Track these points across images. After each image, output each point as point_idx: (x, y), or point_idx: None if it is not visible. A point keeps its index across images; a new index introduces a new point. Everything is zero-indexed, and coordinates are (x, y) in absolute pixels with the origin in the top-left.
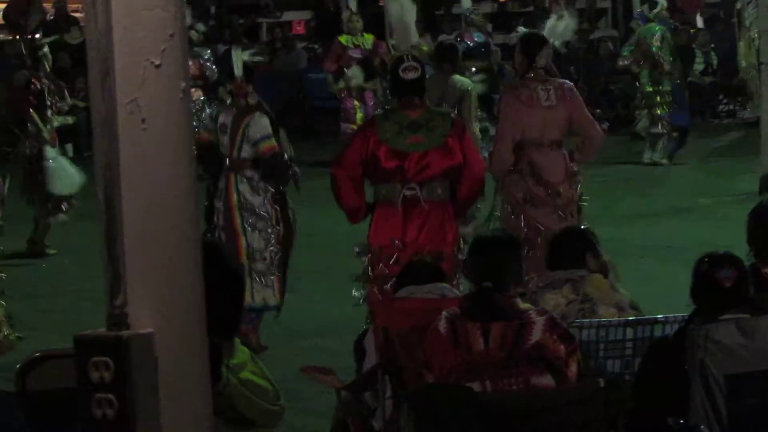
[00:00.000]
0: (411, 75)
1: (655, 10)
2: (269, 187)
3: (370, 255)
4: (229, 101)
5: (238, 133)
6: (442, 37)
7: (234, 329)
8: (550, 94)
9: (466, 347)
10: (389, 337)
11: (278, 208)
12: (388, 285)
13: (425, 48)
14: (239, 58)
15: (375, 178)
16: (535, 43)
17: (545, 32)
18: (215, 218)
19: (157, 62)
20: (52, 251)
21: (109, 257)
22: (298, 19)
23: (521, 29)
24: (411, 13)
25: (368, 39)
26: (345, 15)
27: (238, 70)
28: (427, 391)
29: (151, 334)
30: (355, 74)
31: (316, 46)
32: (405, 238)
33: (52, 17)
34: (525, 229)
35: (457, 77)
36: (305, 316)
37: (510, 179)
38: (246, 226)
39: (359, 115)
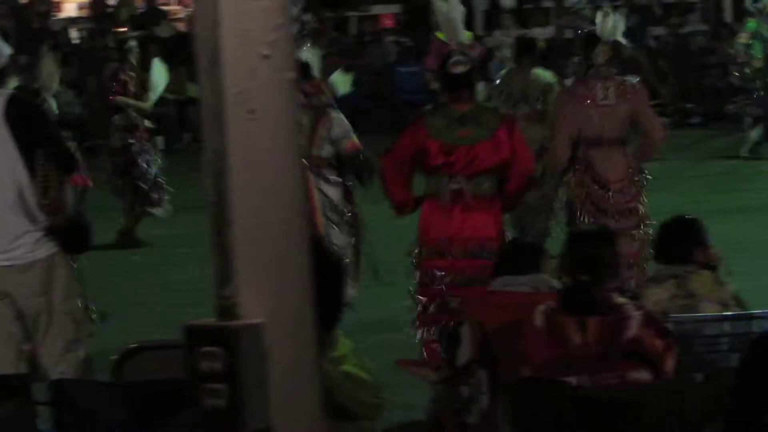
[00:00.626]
0: (459, 69)
1: (758, 4)
2: (345, 183)
3: (417, 249)
4: (303, 101)
5: (317, 132)
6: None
7: (336, 321)
8: (609, 92)
9: (562, 341)
10: (485, 331)
11: (352, 204)
12: (437, 279)
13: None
14: (315, 56)
15: (424, 172)
16: (589, 41)
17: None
18: None
19: (265, 53)
20: (141, 243)
21: (219, 247)
22: (387, 12)
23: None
24: (456, 10)
25: (467, 36)
26: None
27: (315, 69)
28: (524, 385)
29: (261, 324)
30: None
31: (405, 40)
32: (450, 231)
33: (141, 11)
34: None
35: (539, 71)
36: (380, 308)
37: (571, 178)
38: (328, 224)
39: None
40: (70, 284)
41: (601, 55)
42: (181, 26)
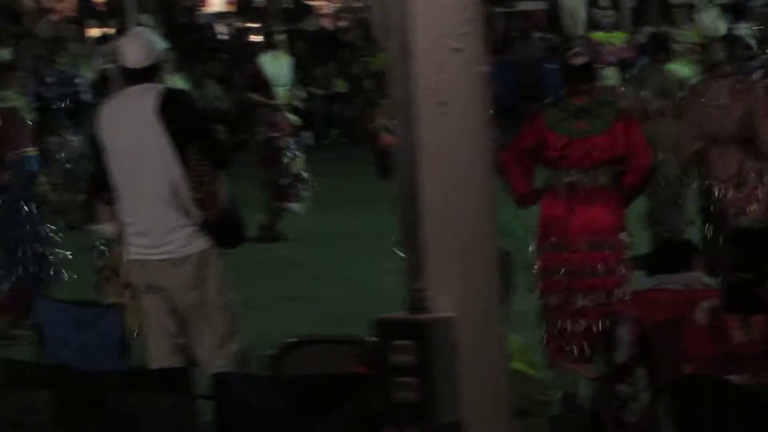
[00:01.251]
0: (579, 61)
1: None
2: None
3: (536, 242)
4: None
5: None
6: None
7: None
8: (723, 92)
9: (725, 339)
10: (644, 329)
11: None
12: (560, 273)
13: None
14: None
15: (543, 165)
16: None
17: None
18: None
19: (456, 46)
20: (283, 237)
21: (410, 241)
22: (533, 8)
23: None
24: (580, 8)
25: (620, 36)
26: (597, 14)
27: None
28: (685, 383)
29: (451, 318)
30: (609, 75)
31: (552, 36)
32: (567, 225)
33: (287, 5)
34: None
35: (674, 66)
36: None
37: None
38: None
39: None
40: (224, 278)
41: (718, 53)
42: (326, 22)
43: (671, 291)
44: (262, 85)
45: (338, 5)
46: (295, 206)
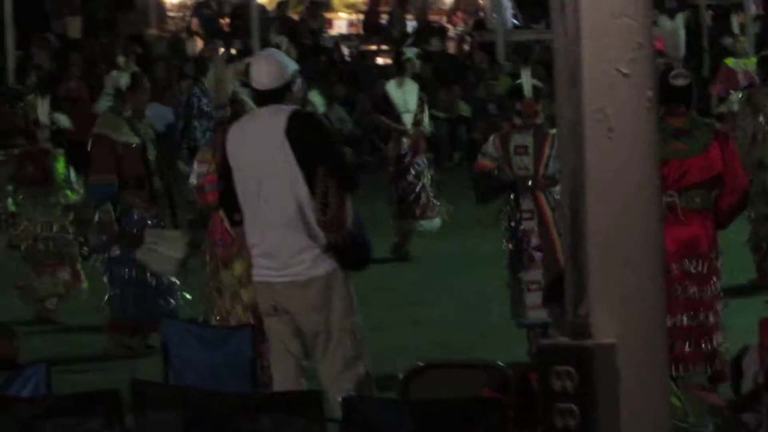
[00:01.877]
0: (680, 82)
1: None
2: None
3: None
4: (520, 122)
5: (544, 151)
6: None
7: None
8: None
9: None
10: None
11: None
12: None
13: None
14: (528, 78)
15: None
16: None
17: None
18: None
19: (625, 71)
20: (409, 257)
21: (573, 265)
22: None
23: None
24: (682, 30)
25: (753, 61)
26: (728, 41)
27: (527, 91)
28: None
29: (614, 344)
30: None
31: (675, 64)
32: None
33: (415, 28)
34: None
35: None
36: None
37: None
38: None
39: None
40: (349, 301)
41: None
42: (451, 45)
43: None
44: (389, 110)
45: (462, 28)
46: (425, 223)
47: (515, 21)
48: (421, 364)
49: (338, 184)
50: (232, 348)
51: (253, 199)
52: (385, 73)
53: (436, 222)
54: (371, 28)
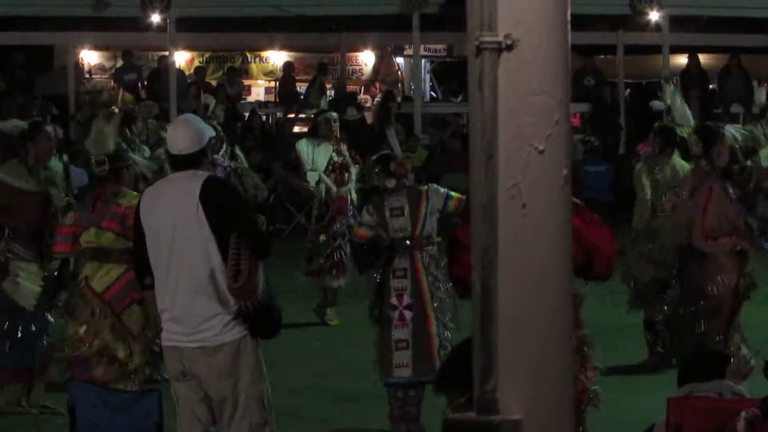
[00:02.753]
0: None
1: None
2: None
3: None
4: (392, 183)
5: (420, 210)
6: None
7: None
8: None
9: None
10: None
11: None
12: None
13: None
14: (395, 138)
15: None
16: None
17: None
18: (389, 298)
19: (541, 148)
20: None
21: (483, 341)
22: (573, 111)
23: None
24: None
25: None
26: (657, 105)
27: (396, 149)
28: None
29: (520, 419)
30: None
31: (592, 139)
32: None
33: (330, 97)
34: None
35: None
36: None
37: None
38: (434, 300)
39: None
40: (258, 368)
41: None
42: (368, 115)
43: (709, 398)
44: (297, 168)
45: (379, 98)
46: (335, 282)
47: (433, 93)
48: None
49: (251, 251)
50: (139, 413)
51: (165, 262)
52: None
53: (341, 282)
54: (286, 96)
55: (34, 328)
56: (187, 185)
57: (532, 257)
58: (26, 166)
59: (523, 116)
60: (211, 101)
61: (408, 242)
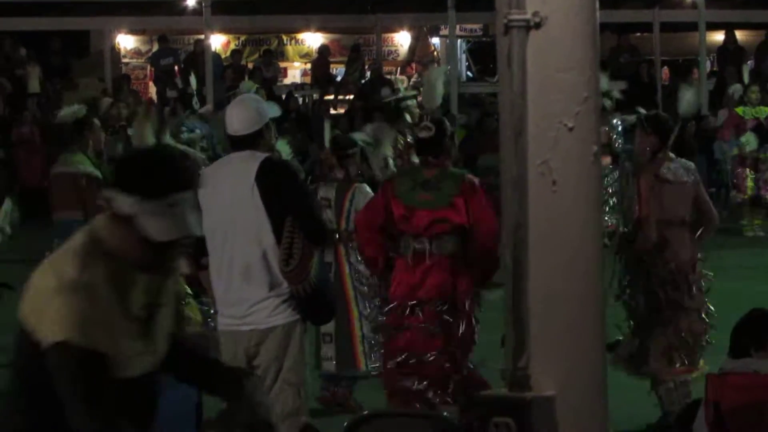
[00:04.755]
0: (423, 134)
1: None
2: None
3: (389, 306)
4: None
5: (344, 204)
6: None
7: None
8: None
9: None
10: (719, 412)
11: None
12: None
13: None
14: (329, 130)
15: (392, 231)
16: None
17: None
18: None
19: (570, 125)
20: None
21: (514, 318)
22: (612, 89)
23: None
24: (440, 81)
25: (765, 110)
26: (733, 88)
27: (327, 142)
28: None
29: (552, 396)
30: (749, 141)
31: (629, 118)
32: (413, 290)
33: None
34: None
35: None
36: None
37: None
38: (357, 294)
39: (750, 184)
40: (301, 356)
41: None
42: None
43: (747, 375)
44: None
45: (416, 79)
46: None
47: (469, 73)
48: (366, 413)
49: (306, 235)
50: (179, 395)
51: (220, 244)
52: (338, 123)
53: None
54: (323, 77)
55: None
56: (244, 166)
57: (562, 233)
58: (86, 155)
59: (552, 93)
60: (251, 85)
61: (336, 235)
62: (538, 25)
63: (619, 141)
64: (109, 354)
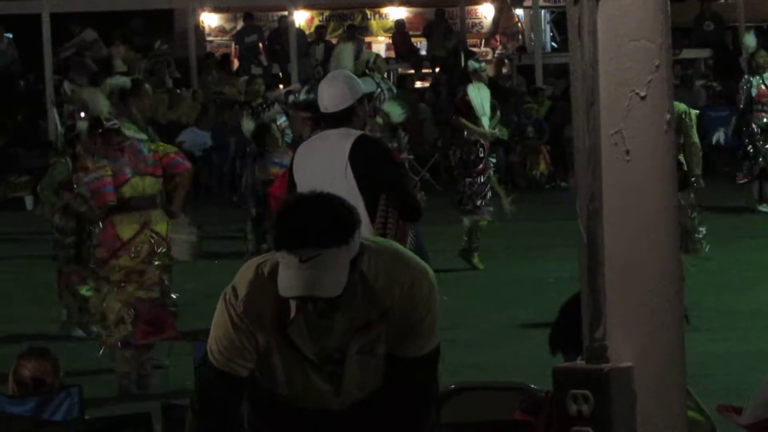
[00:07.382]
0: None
1: None
2: None
3: None
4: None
5: None
6: None
7: None
8: None
9: None
10: None
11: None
12: None
13: None
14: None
15: None
16: None
17: None
18: None
19: (642, 93)
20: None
21: (590, 289)
22: (697, 56)
23: None
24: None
25: None
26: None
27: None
28: None
29: (630, 368)
30: None
31: (715, 84)
32: None
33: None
34: None
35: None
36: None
37: None
38: None
39: None
40: None
41: None
42: (489, 68)
43: None
44: (469, 113)
45: (501, 51)
46: (467, 220)
47: (554, 44)
48: (453, 386)
49: (400, 213)
50: None
51: None
52: (423, 96)
53: (487, 218)
54: (406, 51)
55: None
56: (338, 144)
57: (637, 204)
58: (134, 122)
59: (624, 62)
60: (371, 54)
61: None
62: None
63: None
64: None
